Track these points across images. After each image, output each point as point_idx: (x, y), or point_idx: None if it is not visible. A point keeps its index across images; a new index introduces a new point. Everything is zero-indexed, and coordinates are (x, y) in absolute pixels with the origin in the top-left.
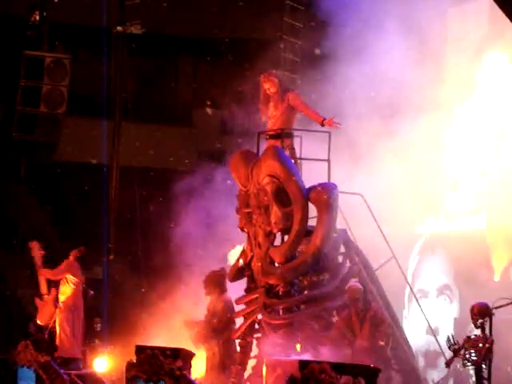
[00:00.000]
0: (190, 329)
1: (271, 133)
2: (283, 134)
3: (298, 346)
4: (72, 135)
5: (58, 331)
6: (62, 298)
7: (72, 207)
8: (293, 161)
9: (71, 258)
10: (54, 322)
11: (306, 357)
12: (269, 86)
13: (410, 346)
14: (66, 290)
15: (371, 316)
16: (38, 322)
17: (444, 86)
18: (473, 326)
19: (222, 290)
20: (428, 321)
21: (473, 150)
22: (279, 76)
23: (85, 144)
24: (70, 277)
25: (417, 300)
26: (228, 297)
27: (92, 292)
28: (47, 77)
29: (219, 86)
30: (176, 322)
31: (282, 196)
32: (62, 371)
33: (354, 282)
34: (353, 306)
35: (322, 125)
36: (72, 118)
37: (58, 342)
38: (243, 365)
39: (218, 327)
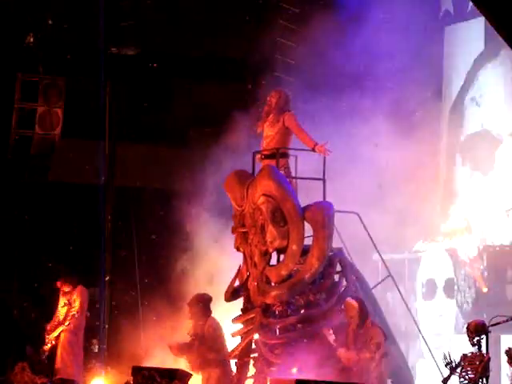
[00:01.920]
0: (175, 353)
1: (266, 153)
2: (278, 154)
3: (295, 370)
4: (67, 156)
5: (59, 353)
6: (67, 319)
7: (67, 228)
8: (288, 180)
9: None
10: (53, 343)
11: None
12: (272, 96)
13: (408, 366)
14: (72, 312)
15: (365, 331)
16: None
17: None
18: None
19: (209, 313)
20: (424, 338)
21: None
22: (287, 95)
23: (80, 165)
24: (77, 299)
25: (414, 321)
26: (215, 319)
27: (88, 313)
28: (42, 99)
29: (215, 106)
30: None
31: (277, 215)
32: None
33: (348, 299)
34: (350, 323)
35: (314, 150)
36: (67, 139)
37: (58, 363)
38: None
39: (211, 352)
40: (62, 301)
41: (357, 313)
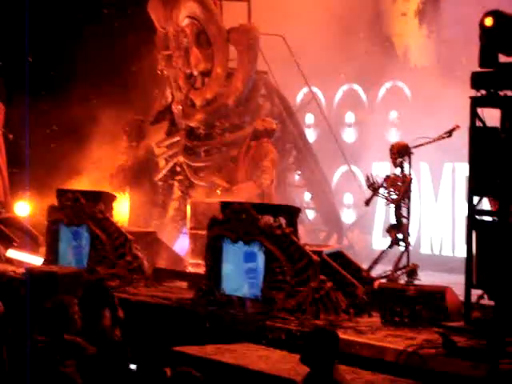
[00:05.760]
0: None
1: None
2: None
3: (219, 191)
4: None
5: None
6: None
7: None
8: (212, 1)
9: None
10: None
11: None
12: None
13: (330, 186)
14: None
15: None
16: None
17: None
18: None
19: (143, 136)
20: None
21: None
22: None
23: None
24: None
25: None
26: (149, 143)
27: (11, 136)
28: None
29: None
30: (98, 166)
31: (201, 38)
32: None
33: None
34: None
35: None
36: None
37: None
38: (165, 207)
39: (142, 172)
40: None
41: (251, 132)
